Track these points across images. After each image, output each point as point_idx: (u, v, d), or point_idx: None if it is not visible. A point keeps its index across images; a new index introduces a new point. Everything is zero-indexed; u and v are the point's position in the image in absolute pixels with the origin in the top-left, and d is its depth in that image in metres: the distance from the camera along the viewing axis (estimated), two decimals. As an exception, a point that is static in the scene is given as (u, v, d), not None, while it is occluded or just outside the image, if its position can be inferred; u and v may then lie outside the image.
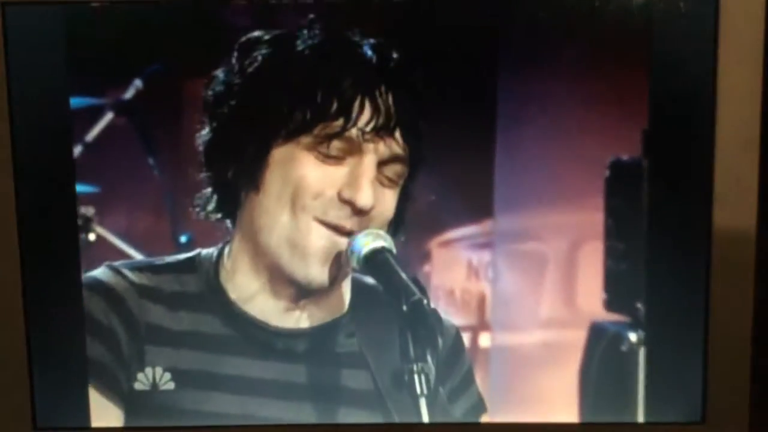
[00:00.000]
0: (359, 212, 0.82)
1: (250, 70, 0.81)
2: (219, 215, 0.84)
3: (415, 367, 0.79)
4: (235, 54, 0.81)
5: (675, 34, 0.72)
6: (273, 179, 0.82)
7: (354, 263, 0.83)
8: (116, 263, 0.84)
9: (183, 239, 0.85)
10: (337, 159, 0.82)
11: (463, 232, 0.86)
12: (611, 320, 0.83)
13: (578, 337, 0.85)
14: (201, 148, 0.82)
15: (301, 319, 0.86)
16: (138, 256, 0.85)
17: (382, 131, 0.81)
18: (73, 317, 0.77)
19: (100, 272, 0.84)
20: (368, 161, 0.82)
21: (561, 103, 0.81)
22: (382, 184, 0.83)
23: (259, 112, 0.81)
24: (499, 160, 0.84)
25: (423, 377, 0.79)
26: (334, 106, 0.80)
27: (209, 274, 0.85)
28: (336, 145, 0.81)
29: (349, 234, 0.82)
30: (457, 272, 0.87)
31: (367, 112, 0.81)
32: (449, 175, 0.84)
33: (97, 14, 0.77)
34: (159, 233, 0.84)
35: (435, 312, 0.81)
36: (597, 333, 0.84)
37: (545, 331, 0.85)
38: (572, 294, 0.85)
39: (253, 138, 0.82)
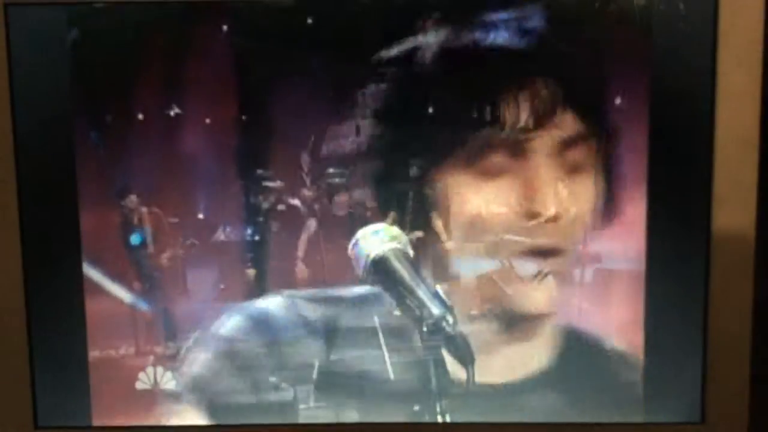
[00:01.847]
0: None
1: None
2: None
3: (438, 407, 0.68)
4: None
5: (674, 36, 0.70)
6: None
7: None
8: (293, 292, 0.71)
9: (135, 240, 0.70)
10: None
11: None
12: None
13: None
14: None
15: None
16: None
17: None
18: (74, 315, 0.73)
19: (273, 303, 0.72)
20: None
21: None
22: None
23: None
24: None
25: (447, 418, 0.69)
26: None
27: None
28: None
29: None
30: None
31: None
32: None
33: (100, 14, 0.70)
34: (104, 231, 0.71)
35: (462, 334, 0.68)
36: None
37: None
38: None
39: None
